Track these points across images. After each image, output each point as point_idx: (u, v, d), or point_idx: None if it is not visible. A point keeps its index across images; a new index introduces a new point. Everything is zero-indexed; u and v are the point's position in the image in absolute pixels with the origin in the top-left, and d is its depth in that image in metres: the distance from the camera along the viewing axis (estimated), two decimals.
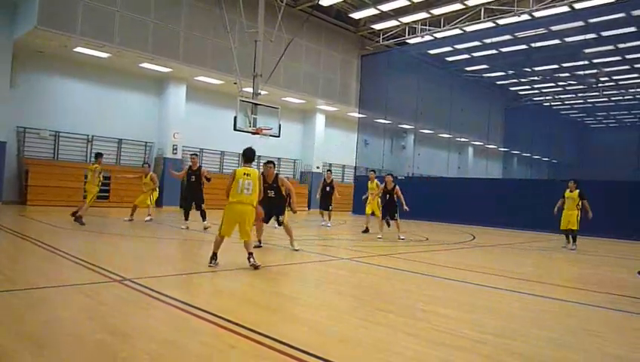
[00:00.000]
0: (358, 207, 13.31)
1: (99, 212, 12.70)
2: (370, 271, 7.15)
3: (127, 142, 19.04)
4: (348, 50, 24.18)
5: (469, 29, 20.87)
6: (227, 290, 5.43)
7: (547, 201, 12.57)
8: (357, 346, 3.52)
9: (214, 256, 6.36)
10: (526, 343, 3.77)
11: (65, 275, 5.57)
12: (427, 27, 21.58)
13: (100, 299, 4.45)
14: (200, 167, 11.71)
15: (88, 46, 15.73)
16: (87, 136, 17.96)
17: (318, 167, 24.95)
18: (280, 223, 8.59)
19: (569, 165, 32.09)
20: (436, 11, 20.03)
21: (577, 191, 11.35)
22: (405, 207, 11.59)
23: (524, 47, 23.17)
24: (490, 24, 20.07)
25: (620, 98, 30.48)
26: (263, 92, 15.88)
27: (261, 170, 7.95)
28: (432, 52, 25.11)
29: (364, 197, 14.13)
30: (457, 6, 19.28)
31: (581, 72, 26.37)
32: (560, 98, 32.21)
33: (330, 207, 14.51)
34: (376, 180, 14.06)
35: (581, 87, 29.41)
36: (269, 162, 8.53)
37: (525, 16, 18.70)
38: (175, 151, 19.40)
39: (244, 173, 6.42)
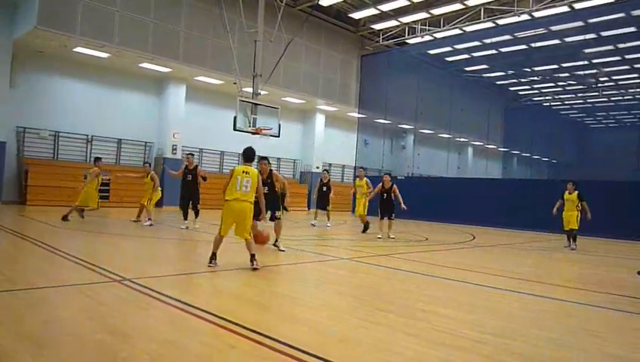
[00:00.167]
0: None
1: (99, 212, 12.69)
2: (370, 271, 7.15)
3: (127, 142, 19.04)
4: (348, 50, 24.19)
5: (468, 29, 20.88)
6: (227, 290, 5.43)
7: (547, 201, 12.58)
8: (357, 346, 3.52)
9: (214, 256, 6.36)
10: (526, 343, 3.77)
11: (65, 275, 5.57)
12: (427, 27, 21.59)
13: (99, 299, 4.45)
14: (196, 166, 11.74)
15: (88, 46, 15.73)
16: (87, 136, 17.96)
17: (317, 167, 24.94)
18: (275, 218, 8.52)
19: (569, 165, 32.12)
20: (436, 11, 20.04)
21: (576, 192, 11.39)
22: (403, 206, 11.54)
23: (523, 47, 23.18)
24: (490, 24, 20.08)
25: (620, 98, 30.49)
26: (262, 92, 15.88)
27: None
28: (431, 52, 25.13)
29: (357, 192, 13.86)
30: (457, 6, 19.28)
31: (581, 72, 26.39)
32: (560, 98, 32.23)
33: (328, 207, 14.47)
34: (365, 178, 13.64)
35: (581, 87, 29.43)
36: (263, 158, 8.54)
37: (525, 17, 18.70)
38: (175, 152, 19.40)
39: (243, 171, 6.43)
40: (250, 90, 15.54)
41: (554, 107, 33.27)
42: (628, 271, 8.18)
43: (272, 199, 8.36)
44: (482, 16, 19.37)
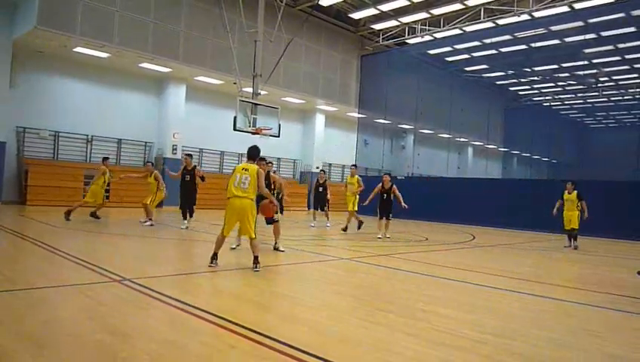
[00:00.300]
0: (359, 207, 13.25)
1: (99, 212, 12.67)
2: (370, 271, 7.15)
3: (127, 142, 19.02)
4: (348, 50, 24.18)
5: (468, 29, 20.87)
6: (227, 290, 5.43)
7: (547, 201, 12.59)
8: (357, 346, 3.52)
9: (215, 256, 6.35)
10: (526, 343, 3.77)
11: (65, 275, 5.57)
12: (427, 27, 21.59)
13: (99, 299, 4.45)
14: (194, 166, 11.76)
15: (88, 46, 15.72)
16: (87, 136, 17.95)
17: (317, 167, 24.90)
18: (273, 221, 8.33)
19: (569, 165, 32.10)
20: (436, 11, 20.04)
21: (575, 192, 11.44)
22: (404, 205, 11.53)
23: (523, 47, 23.18)
24: (490, 24, 20.08)
25: (620, 98, 30.49)
26: (262, 92, 15.87)
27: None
28: (431, 52, 25.13)
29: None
30: (457, 6, 19.28)
31: (581, 72, 26.39)
32: (560, 98, 32.23)
33: (326, 207, 14.46)
34: (357, 176, 13.58)
35: (581, 87, 29.43)
36: (261, 159, 8.53)
37: (525, 17, 18.70)
38: (175, 152, 19.39)
39: (243, 168, 6.44)
40: (250, 90, 15.54)
41: (554, 107, 33.27)
42: (628, 271, 8.18)
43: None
44: (482, 16, 19.37)
